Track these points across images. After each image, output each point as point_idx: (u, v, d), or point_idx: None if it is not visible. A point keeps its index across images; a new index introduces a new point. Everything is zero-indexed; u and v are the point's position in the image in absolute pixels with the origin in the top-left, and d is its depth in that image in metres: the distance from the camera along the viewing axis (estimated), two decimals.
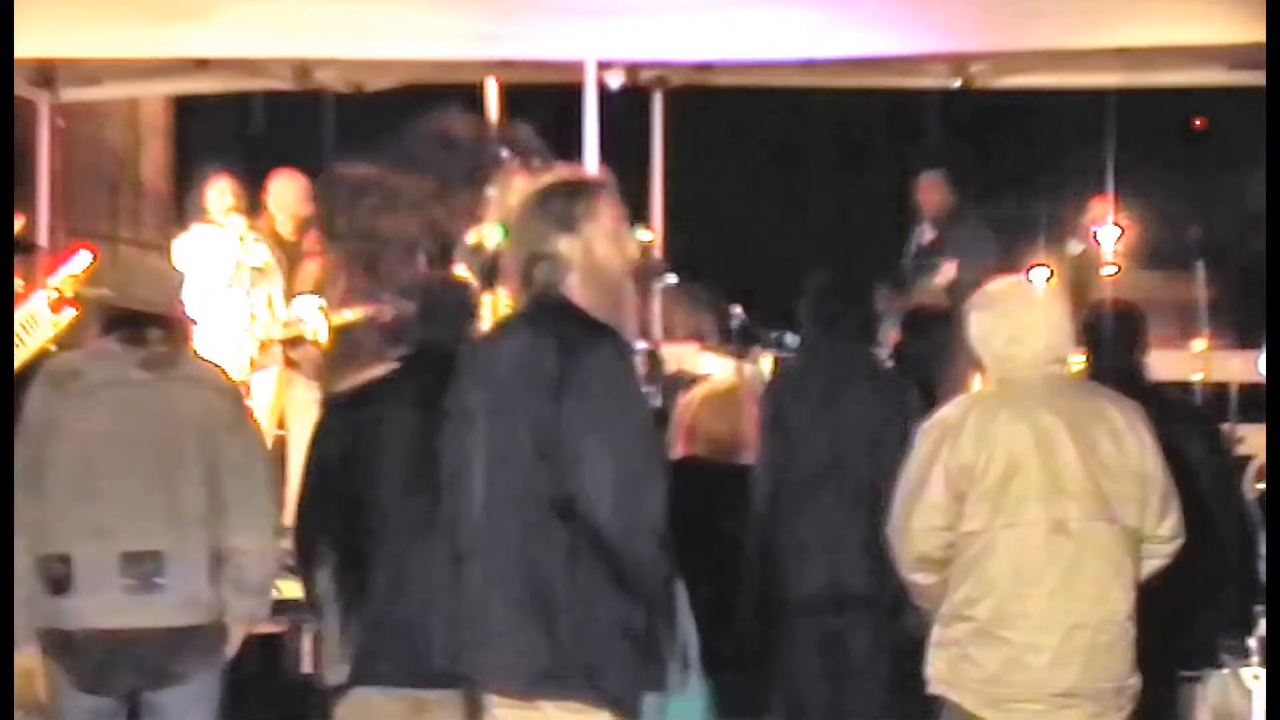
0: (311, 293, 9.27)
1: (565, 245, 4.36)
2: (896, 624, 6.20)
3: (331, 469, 5.42)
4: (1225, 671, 5.97)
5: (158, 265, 5.59)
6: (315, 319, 9.10)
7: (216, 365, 5.67)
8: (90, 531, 5.19)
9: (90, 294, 5.79)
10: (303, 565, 5.55)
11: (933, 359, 6.78)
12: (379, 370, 5.65)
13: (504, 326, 4.51)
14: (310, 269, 9.34)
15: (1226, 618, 6.05)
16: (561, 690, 4.22)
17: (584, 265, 4.36)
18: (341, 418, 5.53)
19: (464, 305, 5.65)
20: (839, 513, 6.35)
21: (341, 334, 9.43)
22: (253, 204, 9.18)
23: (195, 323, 5.70)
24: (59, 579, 5.19)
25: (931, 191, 9.56)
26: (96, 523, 5.19)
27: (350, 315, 9.28)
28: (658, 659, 4.32)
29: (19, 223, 8.57)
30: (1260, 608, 6.19)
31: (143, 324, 5.32)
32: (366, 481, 5.32)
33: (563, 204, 4.40)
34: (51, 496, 5.21)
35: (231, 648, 5.39)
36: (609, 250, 4.40)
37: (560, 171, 4.64)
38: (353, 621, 5.33)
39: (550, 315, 4.34)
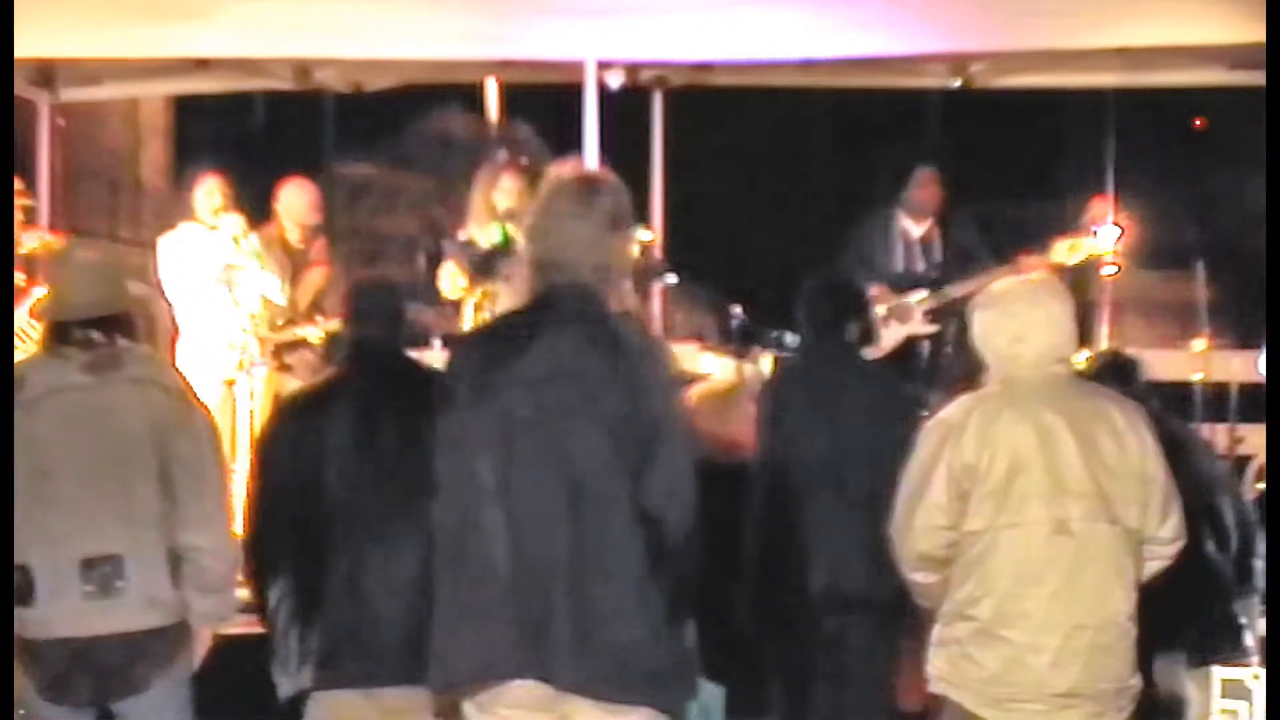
0: (314, 301, 9.26)
1: (618, 245, 4.35)
2: (897, 625, 6.21)
3: (282, 476, 5.41)
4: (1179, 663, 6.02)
5: (96, 267, 5.48)
6: (313, 325, 9.09)
7: (163, 363, 5.62)
8: (47, 539, 5.15)
9: (37, 301, 5.76)
10: (255, 574, 5.51)
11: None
12: (322, 375, 5.65)
13: (535, 325, 4.37)
14: (314, 277, 9.33)
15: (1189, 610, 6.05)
16: (629, 693, 4.20)
17: (622, 266, 4.37)
18: (288, 424, 5.53)
19: (395, 304, 5.64)
20: (837, 513, 6.36)
21: (337, 340, 9.42)
22: (254, 206, 9.16)
23: (136, 321, 5.62)
24: (19, 589, 5.14)
25: (928, 187, 9.50)
26: (53, 530, 5.15)
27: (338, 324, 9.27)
28: (694, 661, 4.34)
29: (22, 202, 8.56)
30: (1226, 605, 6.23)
31: (85, 326, 5.28)
32: (320, 486, 5.31)
33: (613, 204, 4.37)
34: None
35: (199, 650, 5.36)
36: (632, 250, 4.43)
37: (585, 167, 4.62)
38: (316, 627, 5.31)
39: (602, 316, 4.30)
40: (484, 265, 8.84)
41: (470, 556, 4.29)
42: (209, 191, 8.94)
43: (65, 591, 5.14)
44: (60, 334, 5.32)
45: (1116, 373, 6.19)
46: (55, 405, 5.23)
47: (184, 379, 5.53)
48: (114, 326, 5.32)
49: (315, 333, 9.08)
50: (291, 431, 5.44)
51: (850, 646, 6.40)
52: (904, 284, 9.20)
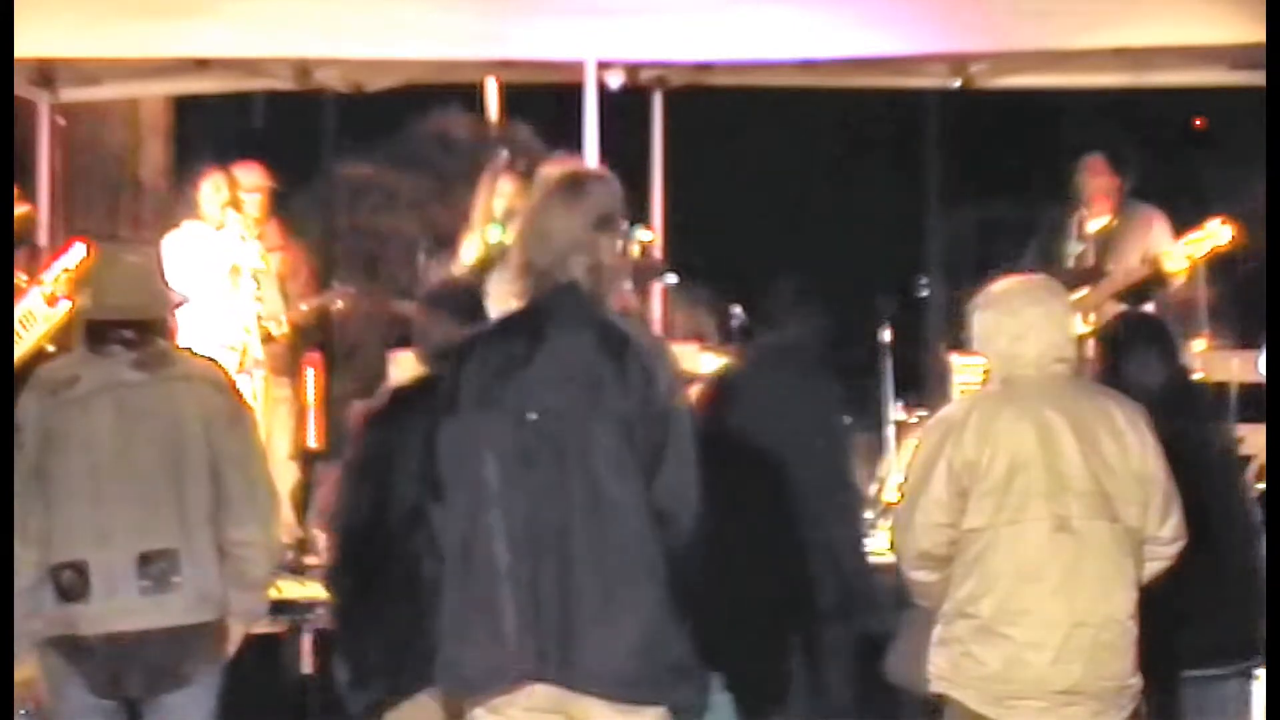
0: (279, 288, 9.20)
1: (608, 244, 4.35)
2: (845, 627, 6.22)
3: (370, 482, 5.40)
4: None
5: (142, 271, 5.53)
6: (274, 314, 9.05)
7: (210, 360, 5.67)
8: (103, 536, 5.19)
9: (77, 300, 5.81)
10: (346, 580, 5.50)
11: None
12: (412, 376, 5.63)
13: (539, 325, 4.35)
14: (272, 262, 9.28)
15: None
16: (655, 691, 4.22)
17: (614, 265, 4.37)
18: (376, 430, 5.51)
19: (475, 304, 5.62)
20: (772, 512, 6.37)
21: (300, 328, 9.39)
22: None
23: (175, 322, 5.65)
24: (73, 587, 5.18)
25: (1095, 176, 9.19)
26: (108, 527, 5.19)
27: (305, 308, 9.25)
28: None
29: (22, 210, 8.57)
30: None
31: (124, 328, 5.31)
32: (410, 490, 5.27)
33: (605, 203, 4.37)
34: (59, 505, 5.20)
35: (232, 646, 5.39)
36: (626, 251, 4.43)
37: (578, 164, 4.62)
38: (395, 633, 5.26)
39: (602, 316, 4.31)
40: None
41: (478, 561, 4.30)
42: (217, 187, 8.91)
43: (121, 588, 5.18)
44: (99, 334, 5.35)
45: (1145, 333, 6.17)
46: (109, 401, 5.26)
47: (230, 377, 5.59)
48: (152, 330, 5.37)
49: (275, 326, 9.05)
50: (379, 438, 5.42)
51: (811, 648, 6.41)
52: (1070, 281, 8.58)
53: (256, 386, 8.88)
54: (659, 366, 4.28)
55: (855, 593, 6.47)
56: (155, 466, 5.24)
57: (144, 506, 5.21)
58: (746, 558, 6.32)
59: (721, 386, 6.93)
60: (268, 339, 9.04)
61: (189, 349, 5.63)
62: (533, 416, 4.27)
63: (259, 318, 8.95)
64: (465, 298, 5.67)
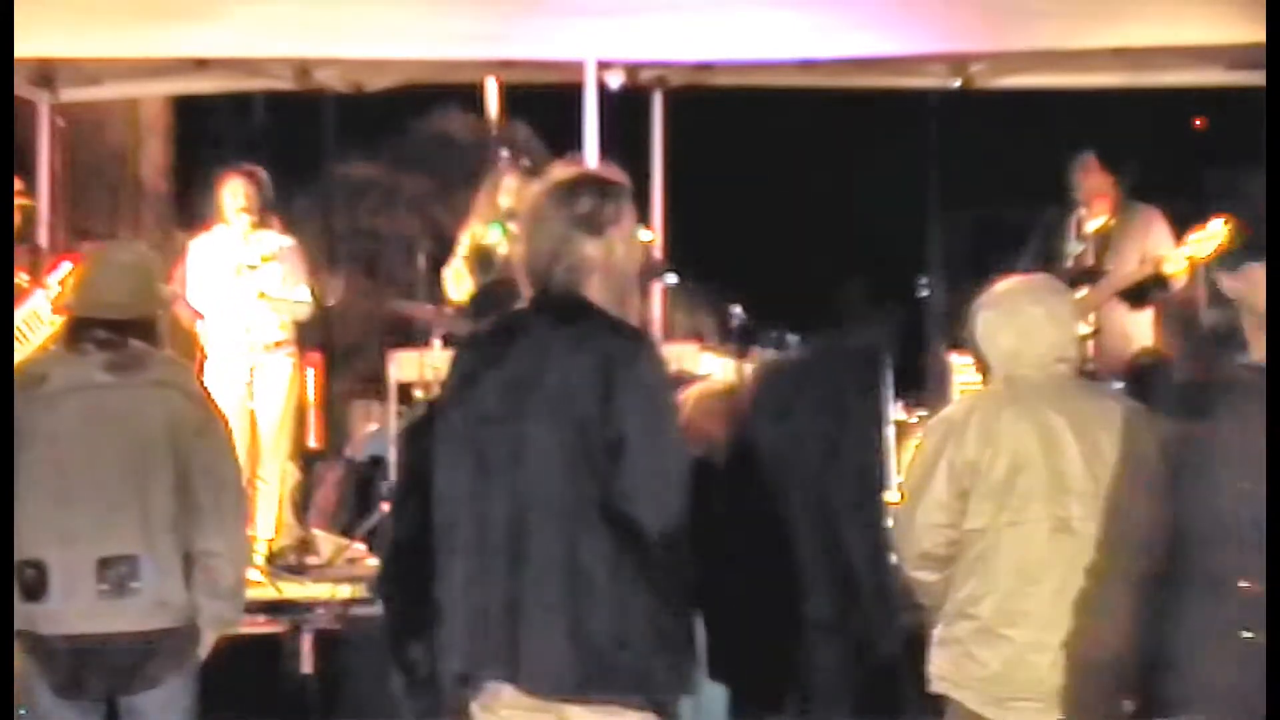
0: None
1: (590, 248, 4.34)
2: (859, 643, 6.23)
3: (418, 493, 5.42)
4: None
5: (130, 269, 5.50)
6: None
7: (184, 368, 5.64)
8: (64, 537, 5.18)
9: (60, 294, 5.79)
10: (396, 592, 5.51)
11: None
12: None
13: (519, 327, 4.40)
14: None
15: None
16: (606, 692, 4.20)
17: (604, 268, 4.34)
18: (420, 442, 5.51)
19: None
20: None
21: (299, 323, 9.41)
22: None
23: (159, 327, 5.63)
24: (32, 585, 5.18)
25: (1092, 174, 9.09)
26: (70, 528, 5.18)
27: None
28: (691, 660, 4.32)
29: (23, 202, 8.58)
30: None
31: (105, 327, 5.31)
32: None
33: (590, 205, 4.35)
34: (23, 502, 5.18)
35: (203, 651, 5.39)
36: (628, 254, 4.39)
37: (581, 167, 4.60)
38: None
39: (578, 316, 4.30)
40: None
41: (456, 558, 4.32)
42: (234, 192, 8.92)
43: (79, 589, 5.17)
44: (80, 330, 5.34)
45: (1143, 374, 6.16)
46: (77, 402, 5.24)
47: (204, 385, 5.57)
48: (134, 330, 5.34)
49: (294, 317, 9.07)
50: (419, 451, 5.41)
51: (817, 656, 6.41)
52: (1071, 281, 8.43)
53: (287, 373, 8.90)
54: (625, 369, 4.23)
55: (866, 598, 6.47)
56: (119, 471, 5.22)
57: (106, 510, 5.20)
58: (756, 558, 6.33)
59: (770, 380, 6.93)
60: (290, 328, 9.06)
61: (168, 354, 5.59)
62: (490, 416, 4.28)
63: (276, 311, 8.97)
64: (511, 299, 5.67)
